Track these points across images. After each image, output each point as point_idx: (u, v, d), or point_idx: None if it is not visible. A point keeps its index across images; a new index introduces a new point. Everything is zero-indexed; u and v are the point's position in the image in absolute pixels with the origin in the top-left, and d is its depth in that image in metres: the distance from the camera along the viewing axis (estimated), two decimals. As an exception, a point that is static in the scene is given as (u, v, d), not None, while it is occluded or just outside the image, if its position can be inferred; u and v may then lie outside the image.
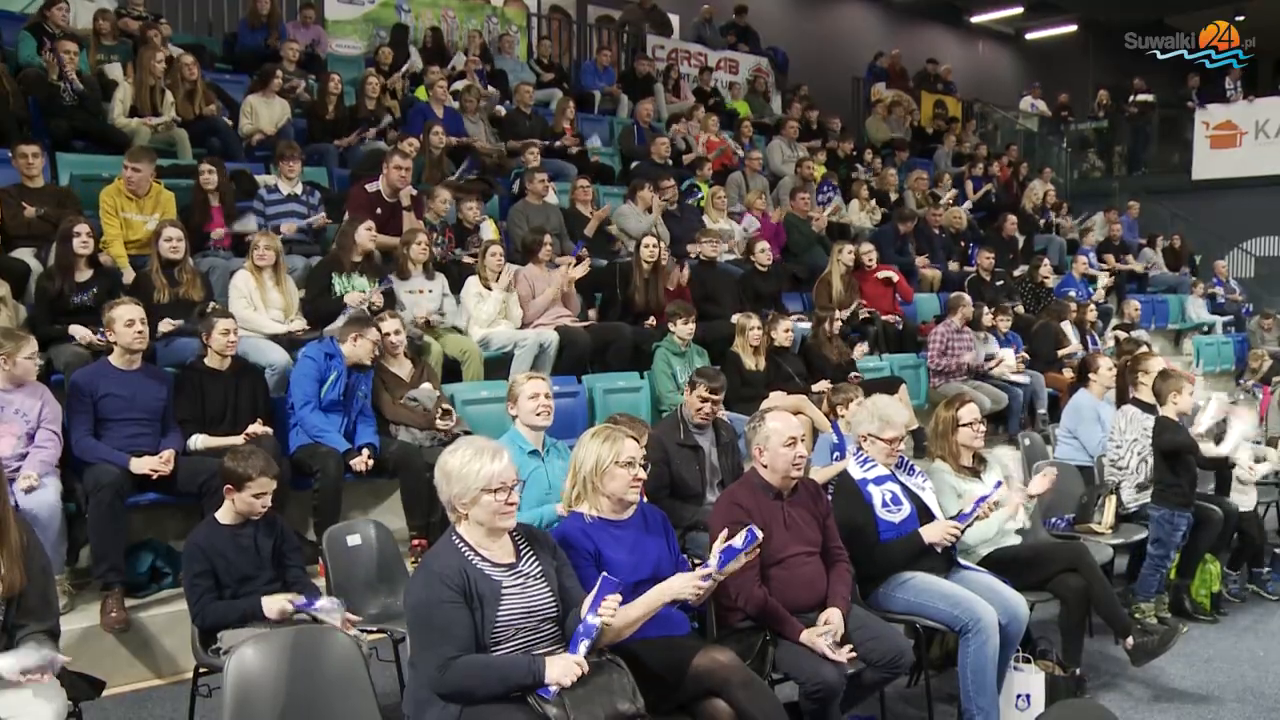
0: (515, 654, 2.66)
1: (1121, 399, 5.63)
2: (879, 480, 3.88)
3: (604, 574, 2.71)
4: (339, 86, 8.51)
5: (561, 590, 2.82)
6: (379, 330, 5.26)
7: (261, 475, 3.45)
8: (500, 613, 2.67)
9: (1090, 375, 6.14)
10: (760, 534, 2.99)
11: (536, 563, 2.82)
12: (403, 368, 5.46)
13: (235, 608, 3.34)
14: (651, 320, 7.05)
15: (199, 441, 4.68)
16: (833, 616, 3.35)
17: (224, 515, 3.52)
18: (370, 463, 4.92)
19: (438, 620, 2.61)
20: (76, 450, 4.43)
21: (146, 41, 7.81)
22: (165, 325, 5.27)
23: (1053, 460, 5.86)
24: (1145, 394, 5.49)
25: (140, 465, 4.38)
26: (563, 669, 2.57)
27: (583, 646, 2.61)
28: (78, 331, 5.10)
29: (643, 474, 3.16)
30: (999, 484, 4.08)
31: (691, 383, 4.82)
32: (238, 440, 4.62)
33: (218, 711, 2.73)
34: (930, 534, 3.79)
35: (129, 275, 5.79)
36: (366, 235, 6.09)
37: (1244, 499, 5.50)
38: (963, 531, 3.87)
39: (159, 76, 7.40)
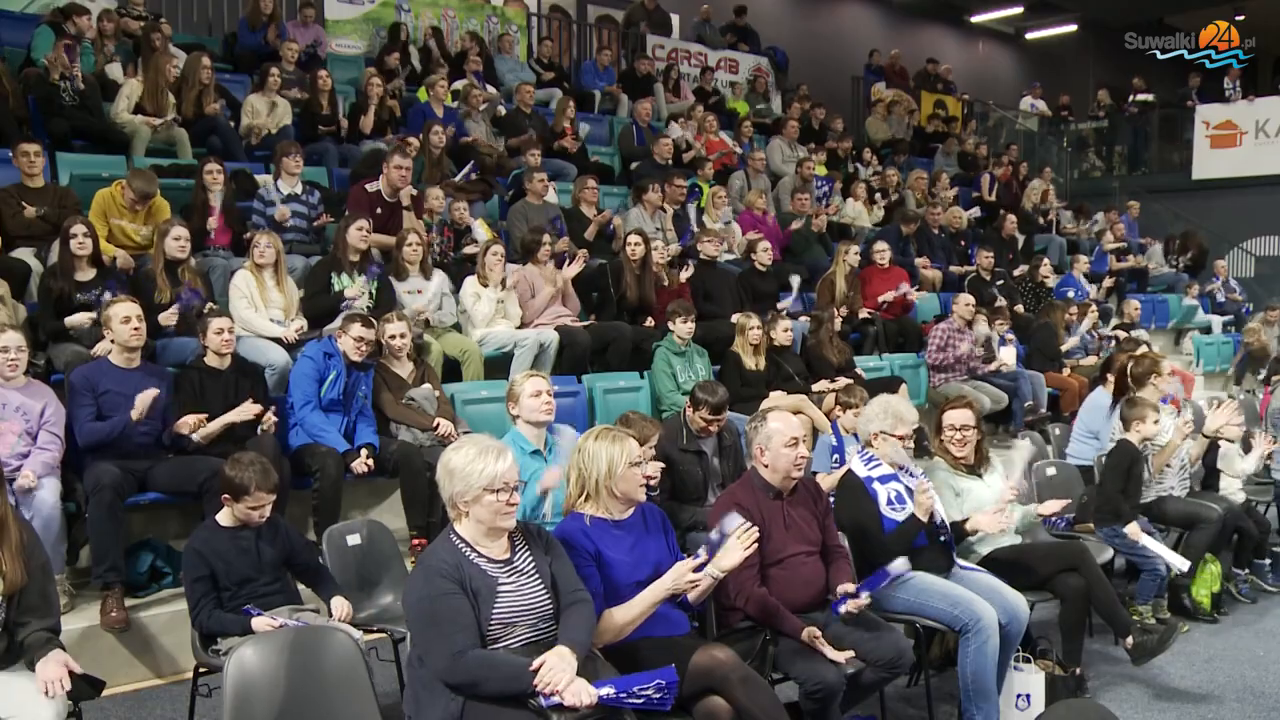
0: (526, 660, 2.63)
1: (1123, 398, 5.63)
2: (884, 479, 3.90)
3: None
4: (328, 84, 8.49)
5: (553, 581, 2.82)
6: (365, 326, 5.17)
7: (258, 490, 3.43)
8: (495, 610, 2.68)
9: (1108, 375, 6.13)
10: (740, 518, 3.00)
11: (530, 558, 2.82)
12: (404, 368, 5.46)
13: (235, 622, 3.33)
14: (650, 320, 7.06)
15: (199, 431, 4.61)
16: (844, 586, 3.37)
17: (224, 518, 3.51)
18: (370, 464, 4.92)
19: (443, 612, 2.61)
20: (81, 436, 4.39)
21: (155, 45, 7.81)
22: (166, 316, 5.27)
23: (1052, 460, 5.86)
24: (1149, 393, 5.51)
25: (144, 399, 4.35)
26: (575, 690, 2.51)
27: (606, 691, 2.56)
28: (75, 319, 5.09)
29: (650, 471, 3.16)
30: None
31: (695, 400, 4.82)
32: (238, 417, 4.63)
33: (218, 711, 2.73)
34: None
35: (123, 261, 5.79)
36: (357, 235, 6.06)
37: (1233, 493, 5.53)
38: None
39: (170, 80, 7.42)
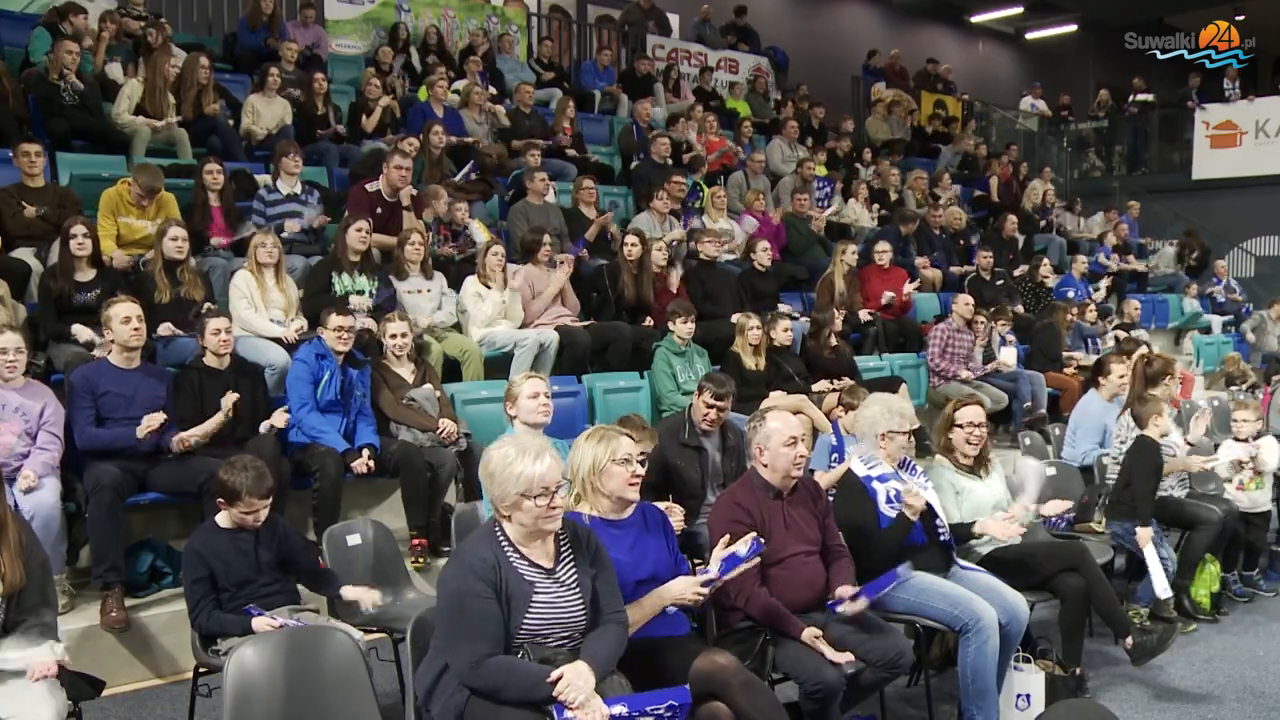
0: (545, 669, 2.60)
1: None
2: (883, 478, 3.89)
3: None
4: (323, 87, 8.49)
5: (594, 597, 2.76)
6: (341, 315, 5.15)
7: (249, 495, 3.42)
8: (528, 617, 2.63)
9: (1100, 379, 6.12)
10: (764, 544, 2.99)
11: (574, 570, 2.75)
12: (405, 368, 5.45)
13: (235, 622, 3.32)
14: (649, 320, 7.05)
15: (191, 435, 4.59)
16: (843, 589, 3.37)
17: (222, 519, 3.50)
18: (371, 464, 4.90)
19: (471, 614, 2.57)
20: (81, 440, 4.39)
21: (156, 44, 7.80)
22: (164, 329, 5.27)
23: (1052, 460, 5.86)
24: (1160, 393, 5.49)
25: (145, 428, 4.36)
26: (589, 710, 2.49)
27: (618, 710, 2.55)
28: (79, 331, 5.10)
29: (641, 470, 3.16)
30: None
31: (700, 387, 4.82)
32: (221, 415, 4.64)
33: (218, 711, 2.73)
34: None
35: (119, 260, 5.77)
36: (356, 236, 6.06)
37: (1244, 499, 5.49)
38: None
39: (170, 80, 7.41)
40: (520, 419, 4.21)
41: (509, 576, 2.63)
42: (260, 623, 3.25)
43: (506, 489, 2.63)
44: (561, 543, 2.78)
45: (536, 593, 2.65)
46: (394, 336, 5.41)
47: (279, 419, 4.80)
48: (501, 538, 2.69)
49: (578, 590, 2.73)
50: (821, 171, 10.78)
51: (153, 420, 4.39)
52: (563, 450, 4.11)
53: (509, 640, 2.62)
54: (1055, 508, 4.39)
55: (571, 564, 2.76)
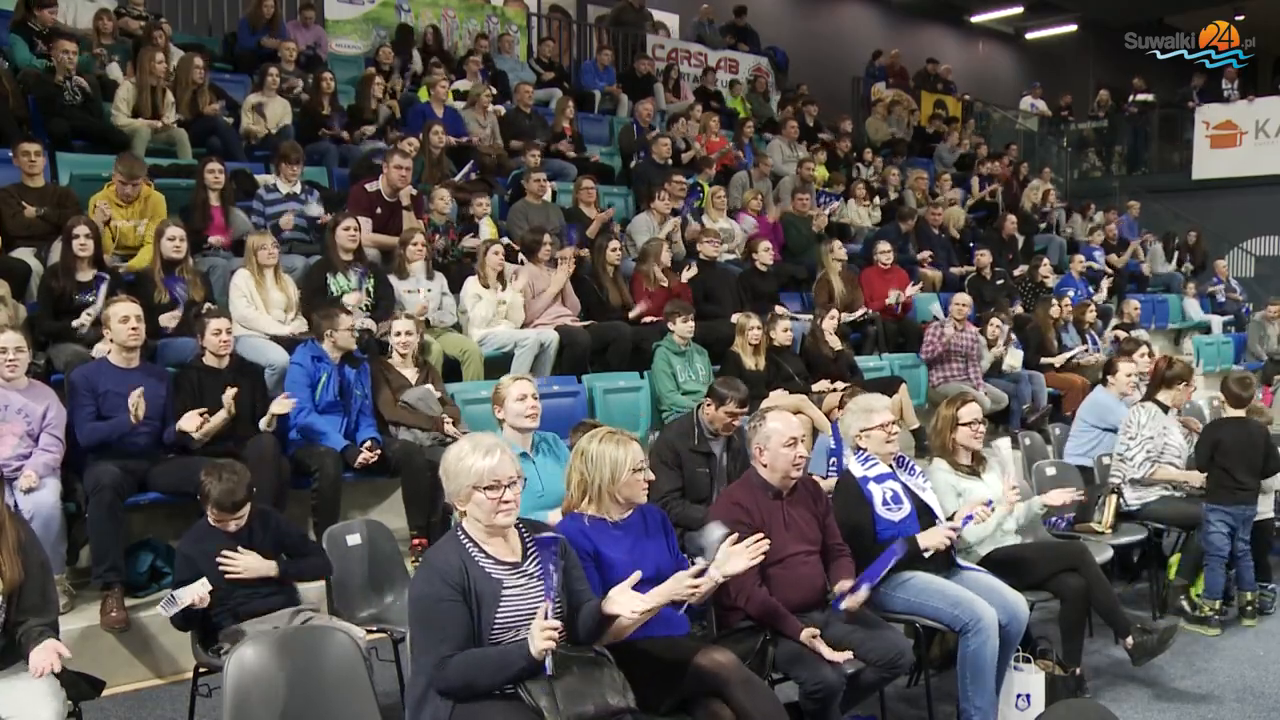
0: (506, 644, 2.61)
1: (1148, 396, 5.61)
2: (880, 479, 3.89)
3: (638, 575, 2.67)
4: (330, 85, 8.48)
5: (568, 592, 2.77)
6: (348, 314, 5.16)
7: (213, 505, 3.43)
8: (499, 614, 2.64)
9: (1109, 377, 6.11)
10: (723, 530, 3.00)
11: (541, 563, 2.78)
12: (409, 369, 5.44)
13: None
14: (639, 318, 7.04)
15: (190, 423, 4.58)
16: (841, 584, 3.39)
17: (213, 518, 3.50)
18: (374, 454, 4.87)
19: (436, 618, 2.59)
20: (82, 437, 4.40)
21: (149, 42, 7.80)
22: (166, 318, 5.27)
23: (1053, 460, 5.86)
24: (1173, 396, 5.49)
25: (135, 395, 4.34)
26: (540, 638, 2.50)
27: (545, 608, 2.57)
28: (83, 319, 5.09)
29: (651, 475, 3.16)
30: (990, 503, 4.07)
31: (719, 396, 4.74)
32: (228, 407, 4.65)
33: (218, 711, 2.73)
34: (926, 539, 3.75)
35: (110, 262, 5.75)
36: (345, 235, 6.04)
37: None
38: (958, 534, 3.88)
39: (160, 77, 7.39)
40: (508, 422, 4.12)
41: (475, 575, 2.64)
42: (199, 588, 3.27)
43: (460, 482, 2.68)
44: (526, 538, 2.80)
45: (505, 588, 2.67)
46: (399, 334, 5.40)
47: (280, 406, 4.76)
48: (465, 539, 2.72)
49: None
50: (822, 172, 10.76)
51: (135, 397, 4.34)
52: (562, 450, 4.14)
53: (481, 641, 2.61)
54: (1061, 497, 4.36)
55: (538, 557, 2.77)
